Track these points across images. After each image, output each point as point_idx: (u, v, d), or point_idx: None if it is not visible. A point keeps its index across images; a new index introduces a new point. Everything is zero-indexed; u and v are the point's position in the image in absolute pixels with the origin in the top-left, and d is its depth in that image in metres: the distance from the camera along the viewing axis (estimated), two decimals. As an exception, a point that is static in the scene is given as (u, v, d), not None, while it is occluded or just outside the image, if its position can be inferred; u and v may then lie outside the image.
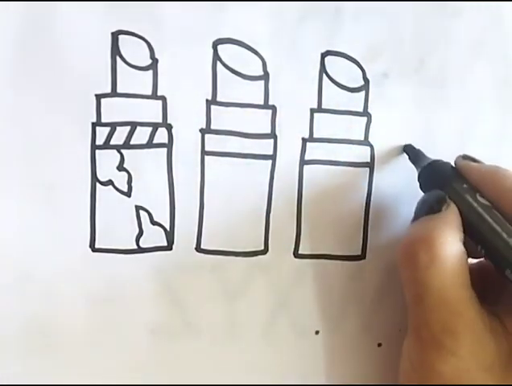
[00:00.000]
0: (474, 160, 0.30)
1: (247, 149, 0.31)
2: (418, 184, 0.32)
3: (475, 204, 0.29)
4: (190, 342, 0.32)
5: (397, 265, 0.29)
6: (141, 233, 0.31)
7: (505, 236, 0.28)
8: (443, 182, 0.30)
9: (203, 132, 0.31)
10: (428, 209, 0.29)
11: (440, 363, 0.27)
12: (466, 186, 0.29)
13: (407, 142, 0.33)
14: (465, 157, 0.31)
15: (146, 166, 0.30)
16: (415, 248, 0.27)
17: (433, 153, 0.33)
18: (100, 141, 0.30)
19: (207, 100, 0.31)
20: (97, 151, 0.30)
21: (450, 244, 0.27)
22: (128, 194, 0.30)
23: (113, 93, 0.29)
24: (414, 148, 0.33)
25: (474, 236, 0.29)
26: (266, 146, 0.31)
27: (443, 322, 0.27)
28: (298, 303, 0.33)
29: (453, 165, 0.31)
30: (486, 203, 0.29)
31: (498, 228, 0.28)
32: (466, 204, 0.29)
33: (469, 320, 0.27)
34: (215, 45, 0.30)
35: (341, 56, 0.32)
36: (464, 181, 0.30)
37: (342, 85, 0.32)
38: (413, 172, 0.33)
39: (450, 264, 0.27)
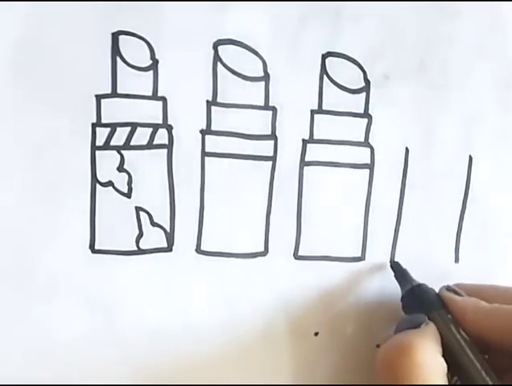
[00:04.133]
0: (457, 292, 0.31)
1: (247, 150, 0.31)
2: (417, 184, 0.32)
3: (458, 336, 0.29)
4: (190, 343, 0.32)
5: (376, 371, 0.29)
6: (141, 234, 0.31)
7: (483, 374, 0.28)
8: (428, 309, 0.30)
9: (203, 133, 0.31)
10: (408, 326, 0.30)
11: None
12: (450, 317, 0.30)
13: (407, 144, 0.33)
14: (449, 288, 0.31)
15: (147, 167, 0.30)
16: (395, 355, 0.28)
17: (433, 154, 0.33)
18: (100, 141, 0.30)
19: (207, 101, 0.30)
20: (97, 152, 0.30)
21: (427, 353, 0.28)
22: (128, 195, 0.30)
23: (114, 94, 0.29)
24: (400, 266, 0.33)
25: (452, 367, 0.29)
26: (266, 147, 0.31)
27: None
28: (297, 304, 0.33)
29: (437, 292, 0.32)
30: (467, 337, 0.29)
31: (478, 365, 0.28)
32: (450, 335, 0.29)
33: None
34: (215, 46, 0.30)
35: (342, 57, 0.32)
36: (448, 312, 0.30)
37: (343, 86, 0.32)
38: (413, 173, 0.33)
39: (427, 373, 0.27)
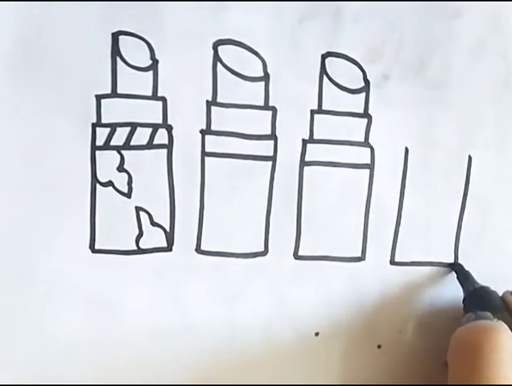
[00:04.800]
0: None
1: (247, 150, 0.31)
2: (417, 184, 0.32)
3: None
4: (190, 342, 0.32)
5: (450, 350, 0.29)
6: (141, 234, 0.31)
7: None
8: (493, 310, 0.30)
9: (203, 133, 0.31)
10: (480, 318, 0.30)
11: None
12: None
13: (407, 144, 0.33)
14: None
15: (147, 166, 0.30)
16: (477, 336, 0.28)
17: (433, 154, 0.33)
18: (100, 141, 0.30)
19: (207, 101, 0.30)
20: (97, 152, 0.30)
21: (510, 339, 0.28)
22: (128, 195, 0.30)
23: (114, 94, 0.29)
24: (463, 268, 0.33)
25: None
26: (266, 147, 0.31)
27: None
28: (297, 304, 0.33)
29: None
30: None
31: None
32: None
33: None
34: (215, 46, 0.30)
35: (342, 58, 0.32)
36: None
37: (342, 86, 0.32)
38: (412, 173, 0.33)
39: (509, 356, 0.27)
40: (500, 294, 0.32)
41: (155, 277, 0.31)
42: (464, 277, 0.33)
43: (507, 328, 0.29)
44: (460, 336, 0.29)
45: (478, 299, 0.32)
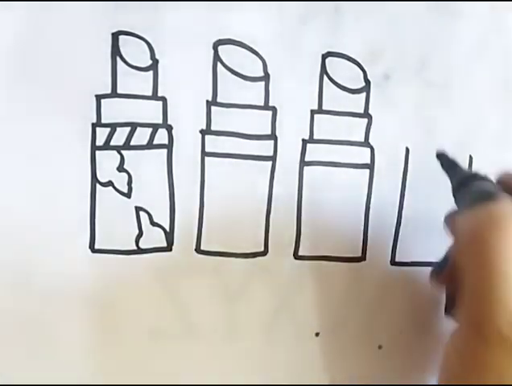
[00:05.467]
0: None
1: (247, 150, 0.31)
2: (417, 185, 0.32)
3: None
4: (190, 343, 0.32)
5: (459, 254, 0.27)
6: (141, 234, 0.31)
7: None
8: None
9: (203, 133, 0.31)
10: (484, 197, 0.27)
11: (502, 358, 0.24)
12: None
13: (407, 144, 0.33)
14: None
15: (146, 166, 0.30)
16: (486, 228, 0.25)
17: (434, 154, 0.33)
18: (100, 141, 0.30)
19: (207, 101, 0.31)
20: (97, 152, 0.30)
21: None
22: (128, 195, 0.30)
23: (114, 94, 0.29)
24: (447, 156, 0.31)
25: None
26: (266, 147, 0.31)
27: (511, 315, 0.24)
28: (298, 305, 0.33)
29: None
30: None
31: None
32: None
33: None
34: (215, 46, 0.30)
35: (342, 57, 0.32)
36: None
37: (343, 86, 0.32)
38: (413, 173, 0.33)
39: None
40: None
41: (155, 277, 0.31)
42: (450, 165, 0.30)
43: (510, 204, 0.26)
44: (466, 227, 0.26)
45: (470, 187, 0.28)
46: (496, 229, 0.25)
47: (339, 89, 0.32)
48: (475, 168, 0.34)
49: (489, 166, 0.34)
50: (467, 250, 0.26)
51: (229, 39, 0.30)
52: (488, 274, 0.25)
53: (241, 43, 0.30)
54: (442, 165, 0.31)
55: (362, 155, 0.32)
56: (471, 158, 0.34)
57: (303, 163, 0.32)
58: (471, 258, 0.26)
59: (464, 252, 0.26)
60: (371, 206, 0.33)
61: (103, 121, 0.30)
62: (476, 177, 0.29)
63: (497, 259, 0.24)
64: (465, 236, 0.26)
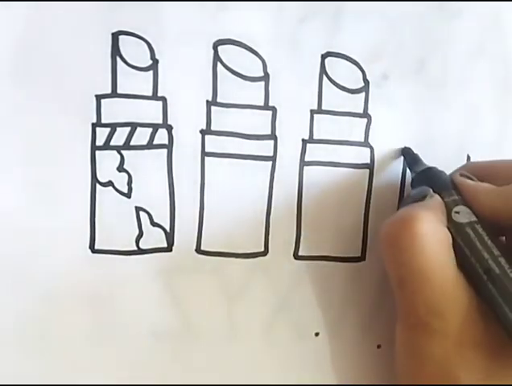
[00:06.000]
0: (470, 178, 0.30)
1: (247, 150, 0.31)
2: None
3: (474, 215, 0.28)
4: (190, 343, 0.32)
5: (380, 253, 0.29)
6: (141, 234, 0.31)
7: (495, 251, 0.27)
8: (439, 190, 0.29)
9: (203, 133, 0.31)
10: (412, 200, 0.29)
11: (429, 343, 0.27)
12: (461, 198, 0.29)
13: (407, 144, 0.33)
14: (462, 174, 0.30)
15: (147, 167, 0.30)
16: (396, 229, 0.27)
17: (433, 154, 0.33)
18: (100, 141, 0.30)
19: (207, 101, 0.31)
20: (97, 152, 0.30)
21: (430, 223, 0.27)
22: (128, 195, 0.30)
23: (114, 94, 0.29)
24: (412, 151, 0.33)
25: (462, 246, 0.28)
26: (266, 147, 0.31)
27: (428, 303, 0.27)
28: (298, 305, 0.33)
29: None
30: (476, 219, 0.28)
31: (489, 242, 0.28)
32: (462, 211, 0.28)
33: (455, 298, 0.27)
34: (215, 46, 0.30)
35: (341, 57, 0.32)
36: (459, 194, 0.29)
37: (342, 86, 0.32)
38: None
39: (430, 243, 0.27)
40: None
41: (155, 277, 0.31)
42: (412, 159, 0.32)
43: (438, 205, 0.28)
44: (383, 232, 0.28)
45: (425, 179, 0.30)
46: (405, 230, 0.27)
47: (338, 89, 0.32)
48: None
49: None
50: (385, 249, 0.28)
51: (229, 39, 0.30)
52: (403, 271, 0.27)
53: (241, 43, 0.30)
54: (404, 158, 0.32)
55: (362, 155, 0.33)
56: (469, 157, 0.34)
57: (303, 163, 0.32)
58: (389, 256, 0.28)
59: (384, 251, 0.28)
60: (371, 206, 0.33)
61: (103, 121, 0.29)
62: (434, 170, 0.31)
63: (408, 257, 0.27)
64: (383, 236, 0.28)
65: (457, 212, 0.28)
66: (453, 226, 0.28)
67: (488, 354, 0.27)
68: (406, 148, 0.33)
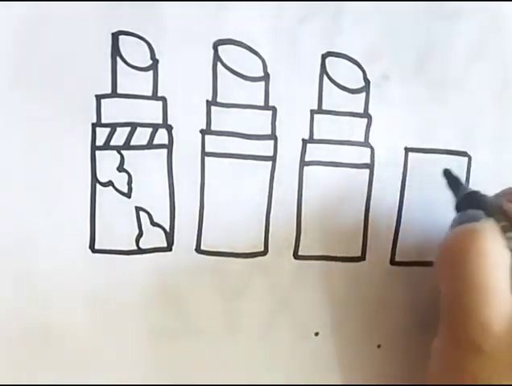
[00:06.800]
0: None
1: (247, 150, 0.31)
2: (417, 184, 0.33)
3: None
4: (190, 342, 0.32)
5: (436, 263, 0.28)
6: (141, 234, 0.31)
7: None
8: (487, 214, 0.28)
9: (203, 133, 0.31)
10: (467, 220, 0.28)
11: (477, 366, 0.26)
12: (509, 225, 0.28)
13: (407, 144, 0.33)
14: (510, 200, 0.29)
15: (147, 166, 0.30)
16: (461, 242, 0.27)
17: (433, 154, 0.33)
18: (100, 141, 0.30)
19: (207, 101, 0.31)
20: (97, 152, 0.30)
21: (496, 242, 0.26)
22: (128, 195, 0.30)
23: (114, 94, 0.29)
24: (453, 173, 0.32)
25: None
26: (266, 147, 0.31)
27: (483, 324, 0.26)
28: (297, 304, 0.33)
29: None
30: None
31: None
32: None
33: (510, 324, 0.26)
34: (215, 46, 0.30)
35: (342, 57, 0.32)
36: (507, 219, 0.28)
37: (342, 86, 0.32)
38: (412, 173, 0.33)
39: (496, 261, 0.26)
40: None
41: (155, 277, 0.31)
42: (453, 182, 0.31)
43: (495, 228, 0.27)
44: (445, 244, 0.27)
45: (470, 203, 0.30)
46: (471, 245, 0.26)
47: (339, 89, 0.32)
48: (473, 168, 0.34)
49: (487, 166, 0.34)
50: (445, 263, 0.27)
51: (229, 39, 0.30)
52: (462, 287, 0.26)
53: (241, 42, 0.30)
54: (447, 180, 0.32)
55: (362, 155, 0.32)
56: (470, 157, 0.34)
57: (303, 163, 0.32)
58: (447, 271, 0.27)
59: (442, 265, 0.28)
60: (371, 206, 0.33)
61: (103, 121, 0.30)
62: (478, 194, 0.30)
63: (470, 272, 0.26)
64: (444, 250, 0.28)
65: (510, 238, 0.27)
66: None
67: None
68: (447, 170, 0.32)
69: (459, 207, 0.31)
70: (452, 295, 0.27)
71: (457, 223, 0.29)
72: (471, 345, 0.26)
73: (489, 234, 0.26)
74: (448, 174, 0.32)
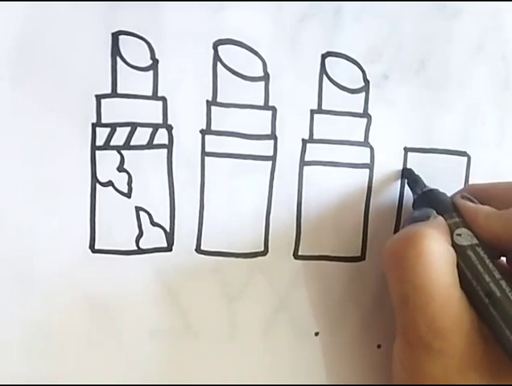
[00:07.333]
0: (471, 200, 0.30)
1: (247, 150, 0.31)
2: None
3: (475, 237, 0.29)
4: (190, 342, 0.32)
5: (383, 269, 0.29)
6: (141, 234, 0.31)
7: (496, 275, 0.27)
8: (440, 212, 0.30)
9: (203, 133, 0.31)
10: (416, 220, 0.30)
11: (429, 363, 0.27)
12: (461, 221, 0.29)
13: (407, 144, 0.33)
14: (463, 196, 0.31)
15: (147, 166, 0.30)
16: (401, 246, 0.27)
17: (432, 154, 0.33)
18: (100, 141, 0.30)
19: (207, 101, 0.31)
20: (97, 152, 0.30)
21: (436, 242, 0.27)
22: (128, 195, 0.30)
23: (114, 94, 0.29)
24: (413, 172, 0.33)
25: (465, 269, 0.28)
26: (266, 147, 0.31)
27: (429, 321, 0.26)
28: (297, 304, 0.33)
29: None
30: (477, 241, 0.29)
31: (491, 265, 0.28)
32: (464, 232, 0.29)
33: (457, 319, 0.27)
34: (215, 46, 0.30)
35: (341, 57, 0.32)
36: (460, 216, 0.30)
37: (342, 86, 0.32)
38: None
39: (436, 261, 0.27)
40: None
41: (155, 277, 0.31)
42: (413, 181, 0.32)
43: (443, 225, 0.29)
44: (387, 248, 0.28)
45: (426, 201, 0.31)
46: (411, 247, 0.27)
47: (338, 89, 0.32)
48: (473, 168, 0.34)
49: (487, 166, 0.34)
50: (389, 266, 0.28)
51: (229, 39, 0.30)
52: (406, 288, 0.27)
53: (241, 42, 0.30)
54: (407, 179, 0.33)
55: (362, 155, 0.33)
56: (469, 157, 0.34)
57: (303, 163, 0.32)
58: (392, 274, 0.28)
59: (386, 268, 0.29)
60: (371, 206, 0.33)
61: (103, 121, 0.29)
62: (435, 192, 0.31)
63: (411, 273, 0.27)
64: (387, 254, 0.28)
65: (459, 234, 0.29)
66: (455, 248, 0.28)
67: (488, 375, 0.27)
68: (407, 169, 0.33)
69: (416, 205, 0.32)
70: (398, 296, 0.28)
71: (409, 220, 0.30)
72: (421, 344, 0.27)
73: (430, 235, 0.27)
74: (407, 172, 0.33)
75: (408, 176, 0.33)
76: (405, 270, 0.27)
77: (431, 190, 0.31)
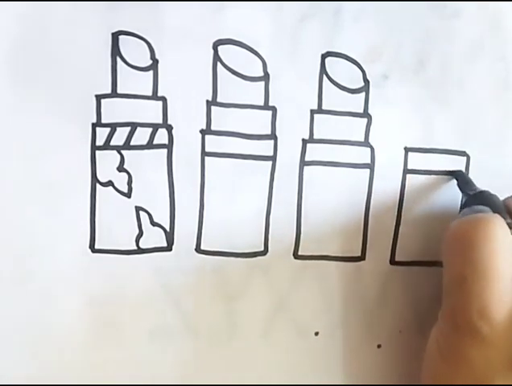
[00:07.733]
0: None
1: (247, 150, 0.31)
2: (418, 184, 0.33)
3: None
4: (189, 342, 0.32)
5: (443, 247, 0.29)
6: (141, 234, 0.31)
7: None
8: (496, 212, 0.29)
9: (203, 133, 0.31)
10: (477, 212, 0.29)
11: (472, 349, 0.26)
12: None
13: (407, 144, 0.33)
14: None
15: (147, 166, 0.30)
16: (471, 227, 0.27)
17: (432, 154, 0.33)
18: (100, 141, 0.30)
19: (207, 101, 0.31)
20: (97, 152, 0.30)
21: (504, 231, 0.27)
22: (128, 194, 0.30)
23: (114, 94, 0.29)
24: (464, 174, 0.33)
25: None
26: (266, 147, 0.31)
27: (482, 307, 0.26)
28: (297, 304, 0.33)
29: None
30: None
31: None
32: None
33: (510, 311, 0.26)
34: (215, 46, 0.30)
35: (341, 57, 0.32)
36: None
37: (342, 86, 0.32)
38: (413, 173, 0.33)
39: (502, 248, 0.26)
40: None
41: (155, 277, 0.31)
42: (464, 182, 0.32)
43: (503, 221, 0.28)
44: (453, 229, 0.28)
45: (481, 202, 0.30)
46: (480, 230, 0.27)
47: (338, 89, 0.32)
48: (473, 168, 0.34)
49: (487, 166, 0.34)
50: (452, 247, 0.28)
51: (229, 39, 0.30)
52: (466, 271, 0.26)
53: (241, 42, 0.30)
54: (457, 181, 0.33)
55: (362, 155, 0.33)
56: (469, 157, 0.34)
57: (303, 163, 0.32)
58: (454, 254, 0.28)
59: (449, 248, 0.28)
60: (371, 206, 0.33)
61: (103, 121, 0.30)
62: (487, 193, 0.31)
63: (476, 257, 0.26)
64: (452, 234, 0.28)
65: None
66: None
67: None
68: (458, 171, 0.33)
69: (468, 204, 0.31)
70: (455, 277, 0.27)
71: (465, 215, 0.30)
72: (469, 328, 0.26)
73: (499, 222, 0.27)
74: (459, 174, 0.33)
75: (459, 177, 0.33)
76: (470, 251, 0.26)
77: (484, 192, 0.31)
